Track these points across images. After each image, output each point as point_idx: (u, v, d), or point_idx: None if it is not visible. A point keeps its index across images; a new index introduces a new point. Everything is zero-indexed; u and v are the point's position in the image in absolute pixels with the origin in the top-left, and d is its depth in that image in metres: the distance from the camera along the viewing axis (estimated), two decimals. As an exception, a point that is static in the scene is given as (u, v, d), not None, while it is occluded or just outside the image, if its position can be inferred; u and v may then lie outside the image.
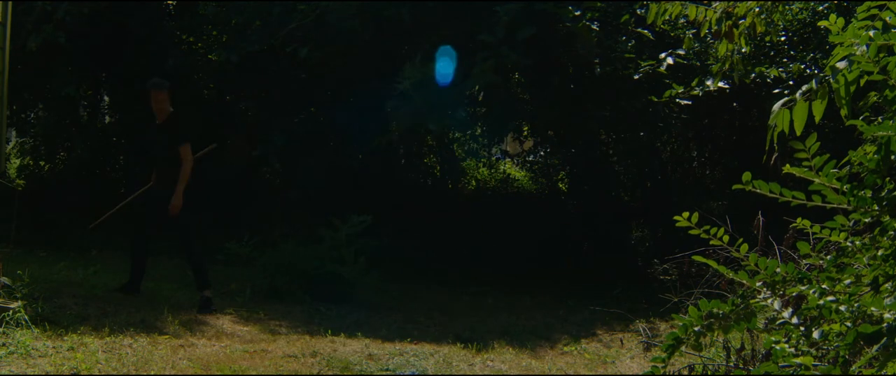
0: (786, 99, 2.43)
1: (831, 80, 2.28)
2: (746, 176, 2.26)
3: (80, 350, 4.42)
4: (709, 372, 4.02)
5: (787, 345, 1.90)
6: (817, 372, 1.78)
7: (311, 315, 6.13)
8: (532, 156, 11.84)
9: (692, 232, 2.40)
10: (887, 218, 2.02)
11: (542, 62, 8.07)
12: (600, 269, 8.61)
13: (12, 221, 6.13)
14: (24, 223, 7.83)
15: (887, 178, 2.08)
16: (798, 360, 1.79)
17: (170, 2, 10.35)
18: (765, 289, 2.13)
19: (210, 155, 6.48)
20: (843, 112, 2.30)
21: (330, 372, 4.52)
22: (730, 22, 4.14)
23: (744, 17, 4.13)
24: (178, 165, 5.92)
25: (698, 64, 7.65)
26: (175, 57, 9.22)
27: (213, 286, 6.79)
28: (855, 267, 2.14)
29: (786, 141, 2.36)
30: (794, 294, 2.13)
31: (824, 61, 4.64)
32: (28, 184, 10.84)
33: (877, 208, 2.04)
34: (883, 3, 2.26)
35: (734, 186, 2.29)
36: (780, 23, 6.54)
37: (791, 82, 6.96)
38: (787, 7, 6.88)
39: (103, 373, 4.09)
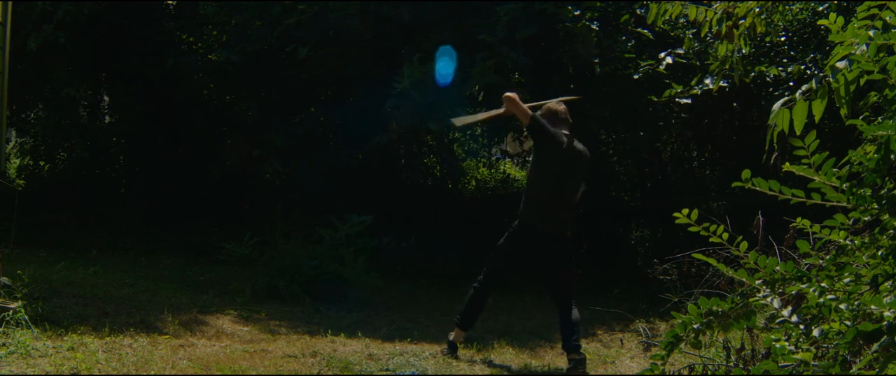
0: (786, 98, 2.43)
1: (831, 80, 2.28)
2: (746, 173, 2.27)
3: (80, 350, 4.42)
4: (709, 372, 4.02)
5: (786, 344, 1.90)
6: (817, 371, 1.78)
7: (311, 315, 6.13)
8: (532, 157, 11.83)
9: (692, 230, 2.40)
10: (887, 216, 2.02)
11: (542, 62, 8.07)
12: (600, 269, 8.61)
13: (12, 221, 6.12)
14: (24, 223, 7.83)
15: (887, 177, 2.08)
16: (798, 356, 1.79)
17: (170, 2, 10.36)
18: (764, 288, 2.13)
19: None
20: (843, 111, 2.30)
21: (330, 372, 4.52)
22: (730, 22, 4.14)
23: (744, 17, 4.13)
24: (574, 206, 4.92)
25: (698, 63, 7.65)
26: (175, 57, 9.22)
27: (213, 287, 6.82)
28: (854, 265, 2.14)
29: (785, 141, 2.37)
30: (793, 292, 2.13)
31: (824, 61, 4.64)
32: (28, 184, 10.85)
33: (876, 207, 2.04)
34: (883, 2, 2.27)
35: (734, 184, 2.30)
36: (780, 23, 6.54)
37: (791, 82, 6.96)
38: (787, 7, 6.88)
39: (103, 373, 4.09)
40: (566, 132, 4.87)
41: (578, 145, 4.88)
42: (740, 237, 2.40)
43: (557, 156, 4.83)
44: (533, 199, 4.90)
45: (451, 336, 5.12)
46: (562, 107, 4.96)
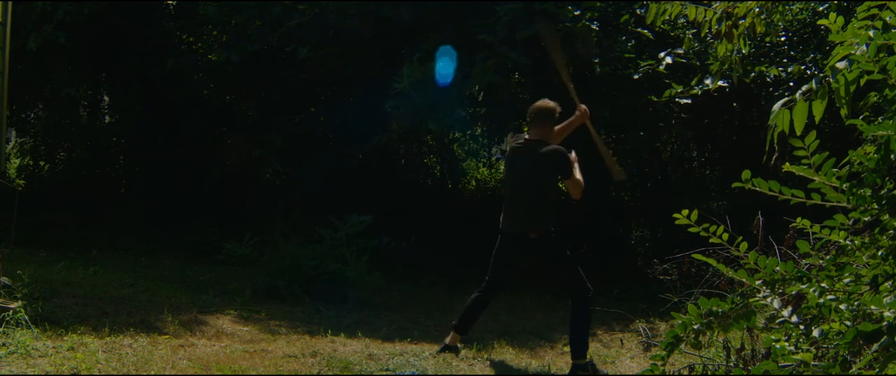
0: (786, 99, 2.43)
1: (831, 80, 2.28)
2: (746, 173, 2.27)
3: (80, 350, 4.42)
4: (709, 372, 4.02)
5: (786, 344, 1.90)
6: (817, 371, 1.78)
7: (311, 315, 6.13)
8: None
9: (692, 230, 2.40)
10: (887, 216, 2.02)
11: (542, 62, 8.07)
12: (600, 269, 8.60)
13: (12, 221, 6.12)
14: (24, 223, 7.83)
15: (887, 177, 2.08)
16: (798, 357, 1.79)
17: (170, 2, 10.36)
18: (764, 288, 2.13)
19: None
20: (843, 112, 2.30)
21: (330, 372, 4.52)
22: (729, 22, 4.14)
23: (744, 17, 4.13)
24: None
25: (698, 63, 7.65)
26: (175, 57, 9.23)
27: (213, 287, 6.83)
28: (854, 266, 2.14)
29: (786, 141, 2.37)
30: (793, 293, 2.13)
31: (824, 61, 4.64)
32: (28, 184, 10.86)
33: (876, 207, 2.04)
34: (883, 2, 2.27)
35: (734, 184, 2.30)
36: (780, 23, 6.54)
37: (791, 82, 6.97)
38: (787, 7, 6.88)
39: (103, 373, 4.09)
40: (522, 141, 4.98)
41: (536, 146, 4.89)
42: (740, 237, 2.40)
43: (506, 163, 5.08)
44: (503, 205, 5.08)
45: (447, 339, 5.15)
46: (541, 104, 5.05)
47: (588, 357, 4.86)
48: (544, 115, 4.97)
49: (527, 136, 5.00)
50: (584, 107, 5.21)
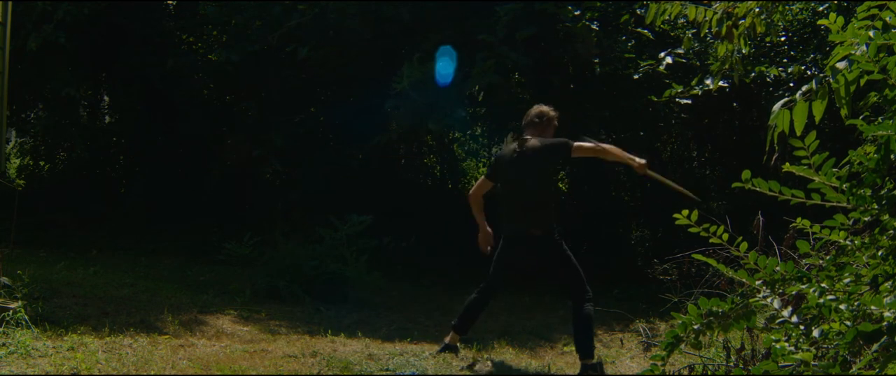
0: (786, 99, 2.43)
1: (831, 80, 2.28)
2: (746, 173, 2.27)
3: (80, 350, 4.42)
4: (709, 372, 4.02)
5: (786, 344, 1.90)
6: (817, 371, 1.78)
7: (311, 315, 6.13)
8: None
9: (692, 230, 2.40)
10: (887, 216, 2.02)
11: (542, 62, 8.07)
12: (600, 269, 8.61)
13: (12, 221, 6.12)
14: (24, 223, 7.83)
15: (887, 177, 2.08)
16: (798, 357, 1.79)
17: (170, 2, 10.36)
18: (764, 288, 2.13)
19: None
20: (843, 112, 2.30)
21: (330, 372, 4.52)
22: (730, 22, 4.14)
23: (744, 17, 4.12)
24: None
25: (698, 63, 7.65)
26: (175, 57, 9.23)
27: (213, 287, 6.83)
28: (854, 266, 2.14)
29: (786, 141, 2.37)
30: (793, 293, 2.13)
31: (824, 61, 4.64)
32: (28, 184, 10.86)
33: (876, 207, 2.04)
34: (883, 2, 2.27)
35: (734, 184, 2.30)
36: (780, 23, 6.54)
37: (791, 83, 6.97)
38: (787, 7, 6.88)
39: (103, 373, 4.09)
40: (515, 144, 5.03)
41: (528, 144, 4.94)
42: (740, 237, 2.40)
43: (500, 167, 5.16)
44: (501, 208, 5.10)
45: (447, 339, 5.14)
46: (534, 109, 5.14)
47: (596, 357, 4.85)
48: (544, 121, 5.03)
49: (520, 141, 5.02)
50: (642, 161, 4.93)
